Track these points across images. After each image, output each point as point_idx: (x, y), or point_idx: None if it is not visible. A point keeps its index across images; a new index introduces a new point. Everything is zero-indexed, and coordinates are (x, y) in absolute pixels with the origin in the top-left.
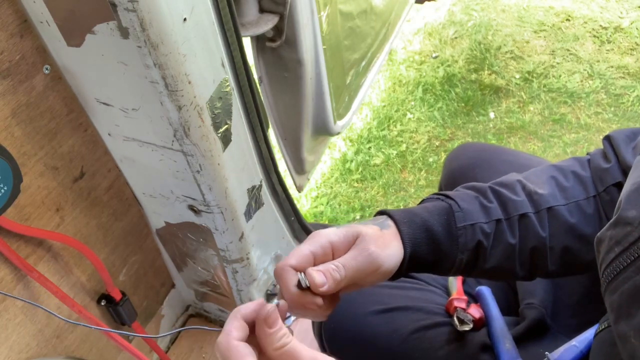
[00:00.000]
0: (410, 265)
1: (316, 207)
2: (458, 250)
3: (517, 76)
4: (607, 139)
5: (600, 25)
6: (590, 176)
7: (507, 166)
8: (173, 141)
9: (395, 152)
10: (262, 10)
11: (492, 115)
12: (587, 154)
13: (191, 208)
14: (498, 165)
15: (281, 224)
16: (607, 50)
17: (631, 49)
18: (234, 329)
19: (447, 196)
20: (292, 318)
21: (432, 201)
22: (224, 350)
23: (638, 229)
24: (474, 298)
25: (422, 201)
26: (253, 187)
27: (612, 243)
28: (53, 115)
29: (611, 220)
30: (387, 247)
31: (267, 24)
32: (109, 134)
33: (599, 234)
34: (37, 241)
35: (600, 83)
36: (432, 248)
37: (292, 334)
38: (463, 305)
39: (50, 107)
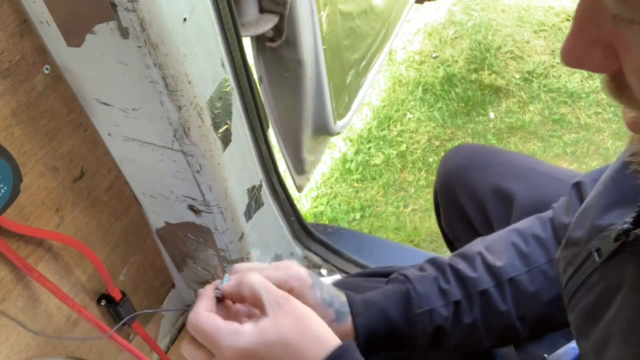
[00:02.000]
0: (369, 348)
1: (316, 207)
2: (417, 335)
3: (517, 76)
4: (576, 185)
5: None
6: (552, 236)
7: (501, 167)
8: (173, 141)
9: (395, 152)
10: (262, 10)
11: (492, 115)
12: (552, 206)
13: (191, 208)
14: (493, 166)
15: (281, 224)
16: None
17: None
18: (202, 305)
19: (408, 278)
20: (226, 279)
21: (394, 283)
22: (193, 321)
23: (584, 249)
24: None
25: (388, 281)
26: (253, 187)
27: (565, 264)
28: (53, 115)
29: (562, 242)
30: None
31: (267, 24)
32: (109, 134)
33: (557, 254)
34: (37, 241)
35: (600, 83)
36: (390, 334)
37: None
38: None
39: (50, 107)
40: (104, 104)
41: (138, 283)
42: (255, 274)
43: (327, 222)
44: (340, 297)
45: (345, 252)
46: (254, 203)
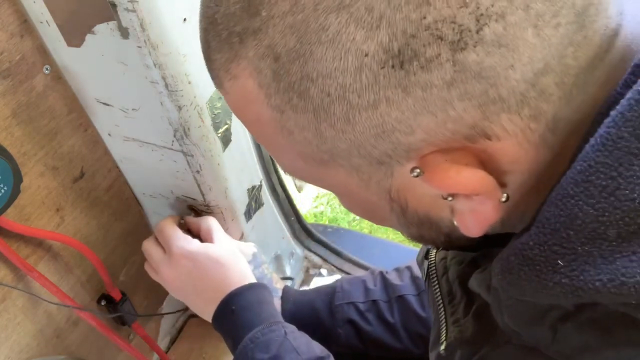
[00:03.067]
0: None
1: (316, 207)
2: (337, 325)
3: None
4: None
5: None
6: None
7: None
8: (173, 141)
9: None
10: None
11: None
12: None
13: (191, 208)
14: None
15: (281, 224)
16: None
17: None
18: (170, 218)
19: (342, 279)
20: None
21: (330, 285)
22: (161, 224)
23: (423, 268)
24: None
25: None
26: (253, 187)
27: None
28: (53, 115)
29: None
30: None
31: None
32: (109, 134)
33: None
34: (37, 241)
35: None
36: (313, 323)
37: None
38: None
39: (50, 107)
40: (104, 104)
41: (138, 283)
42: (214, 218)
43: (327, 222)
44: (276, 284)
45: (345, 252)
46: (254, 203)
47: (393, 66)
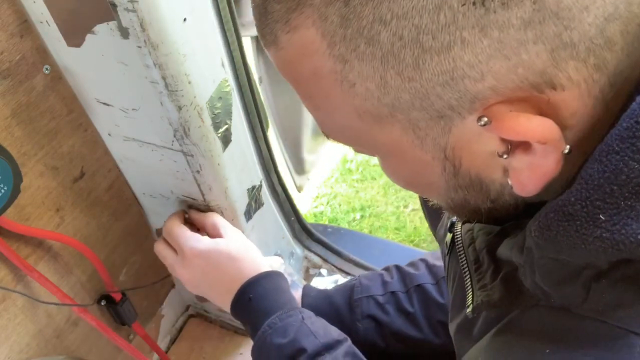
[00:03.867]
0: None
1: (316, 207)
2: (356, 319)
3: None
4: None
5: None
6: None
7: None
8: (173, 141)
9: None
10: None
11: None
12: None
13: (191, 208)
14: None
15: (281, 224)
16: None
17: None
18: (175, 217)
19: (359, 275)
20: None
21: (349, 281)
22: (169, 226)
23: (443, 244)
24: None
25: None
26: (253, 187)
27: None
28: (53, 115)
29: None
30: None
31: None
32: (109, 134)
33: None
34: (37, 241)
35: None
36: (333, 318)
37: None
38: None
39: (50, 107)
40: (104, 104)
41: (138, 283)
42: (217, 214)
43: (327, 222)
44: (300, 282)
45: (345, 252)
46: (254, 203)
47: (474, 3)
